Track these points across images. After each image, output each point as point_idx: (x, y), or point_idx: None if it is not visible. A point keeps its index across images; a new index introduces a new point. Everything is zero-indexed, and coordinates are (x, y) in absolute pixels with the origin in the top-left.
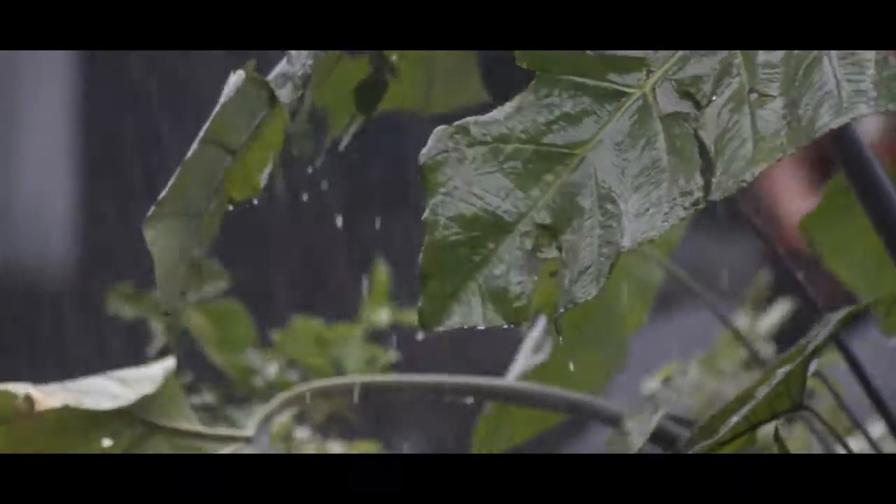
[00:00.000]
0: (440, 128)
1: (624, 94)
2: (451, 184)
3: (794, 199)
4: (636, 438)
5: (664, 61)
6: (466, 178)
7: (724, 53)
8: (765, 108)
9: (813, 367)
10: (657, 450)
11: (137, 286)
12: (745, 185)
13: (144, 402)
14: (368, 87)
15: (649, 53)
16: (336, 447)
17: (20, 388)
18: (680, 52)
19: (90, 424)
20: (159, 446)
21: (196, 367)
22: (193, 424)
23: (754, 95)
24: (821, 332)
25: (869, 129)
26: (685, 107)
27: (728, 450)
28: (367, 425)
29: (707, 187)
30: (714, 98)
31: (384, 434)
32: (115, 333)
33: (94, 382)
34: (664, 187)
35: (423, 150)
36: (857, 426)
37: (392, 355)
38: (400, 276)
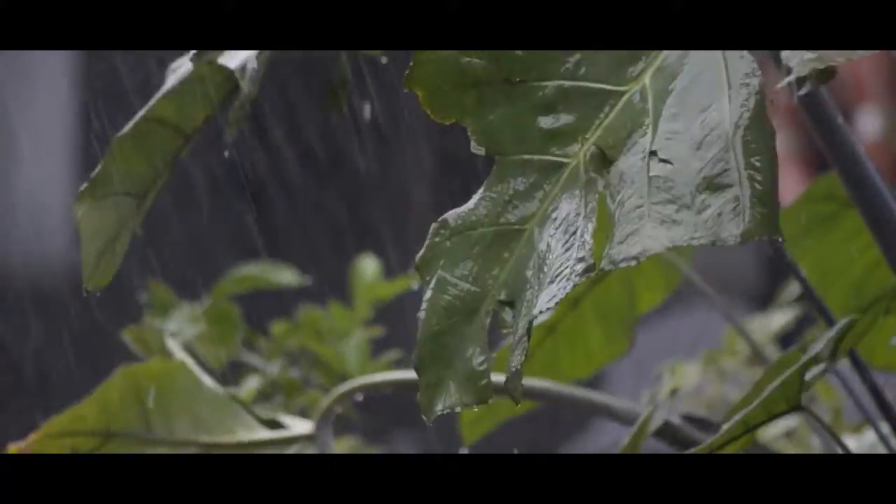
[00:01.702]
0: (432, 226)
1: (563, 164)
2: (436, 277)
3: (795, 193)
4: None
5: (598, 128)
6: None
7: (638, 109)
8: (660, 176)
9: (814, 372)
10: (672, 450)
11: (136, 286)
12: (634, 264)
13: (196, 422)
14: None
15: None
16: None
17: None
18: (611, 116)
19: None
20: None
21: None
22: (253, 432)
23: (655, 159)
24: (821, 338)
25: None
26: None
27: (727, 451)
28: (367, 423)
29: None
30: (621, 155)
31: (383, 430)
32: (114, 334)
33: None
34: (573, 250)
35: (420, 252)
36: (869, 422)
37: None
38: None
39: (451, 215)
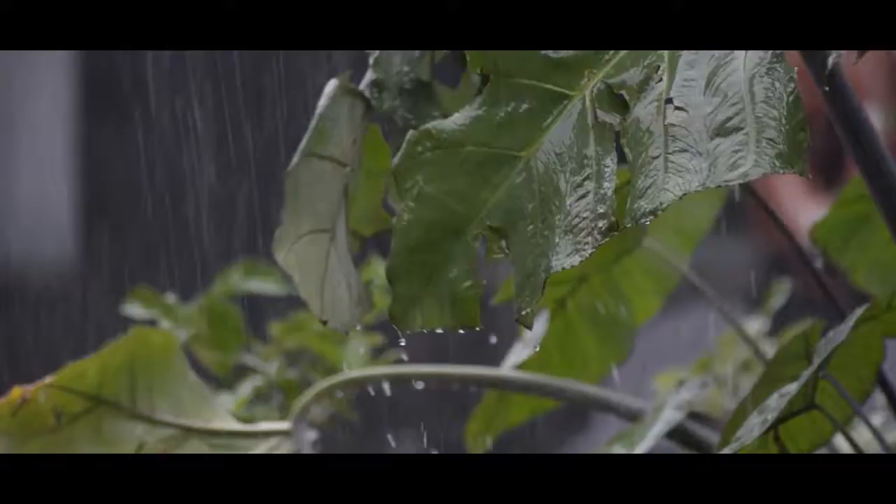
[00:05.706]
0: (410, 133)
1: (566, 96)
2: (416, 189)
3: (796, 199)
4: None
5: (605, 63)
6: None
7: (653, 55)
8: (675, 125)
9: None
10: (685, 449)
11: (132, 287)
12: (659, 213)
13: (176, 405)
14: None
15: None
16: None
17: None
18: (621, 53)
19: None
20: (197, 448)
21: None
22: (229, 423)
23: (671, 107)
24: (839, 332)
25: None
26: (617, 113)
27: (748, 451)
28: (366, 422)
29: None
30: (636, 103)
31: (382, 430)
32: (114, 333)
33: None
34: (590, 199)
35: (395, 158)
36: (860, 415)
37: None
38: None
39: (433, 127)
